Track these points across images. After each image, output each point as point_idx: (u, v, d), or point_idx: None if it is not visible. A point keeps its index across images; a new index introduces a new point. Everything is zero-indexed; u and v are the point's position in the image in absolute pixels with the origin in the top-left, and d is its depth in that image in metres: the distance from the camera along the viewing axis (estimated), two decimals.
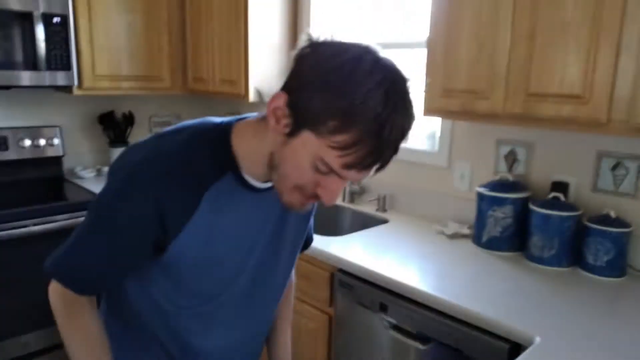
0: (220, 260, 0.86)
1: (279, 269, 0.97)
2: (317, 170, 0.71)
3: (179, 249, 0.80)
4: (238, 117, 0.85)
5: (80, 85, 2.42)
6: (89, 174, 2.68)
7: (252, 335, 1.01)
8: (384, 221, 2.10)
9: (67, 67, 2.31)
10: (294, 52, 0.72)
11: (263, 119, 0.79)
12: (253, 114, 0.86)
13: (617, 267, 1.53)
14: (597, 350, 1.15)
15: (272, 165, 0.76)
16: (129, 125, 2.85)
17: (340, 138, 0.67)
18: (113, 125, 2.79)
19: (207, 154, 0.79)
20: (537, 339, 1.17)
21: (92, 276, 0.84)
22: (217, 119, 0.84)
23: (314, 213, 1.05)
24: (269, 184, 0.84)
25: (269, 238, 0.91)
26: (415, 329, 1.44)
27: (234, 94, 2.48)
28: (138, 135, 2.94)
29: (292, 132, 0.71)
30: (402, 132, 0.69)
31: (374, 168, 0.71)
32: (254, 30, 2.37)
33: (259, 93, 2.44)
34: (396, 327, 1.49)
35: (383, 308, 1.51)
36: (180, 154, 0.77)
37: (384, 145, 0.67)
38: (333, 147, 0.67)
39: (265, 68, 2.45)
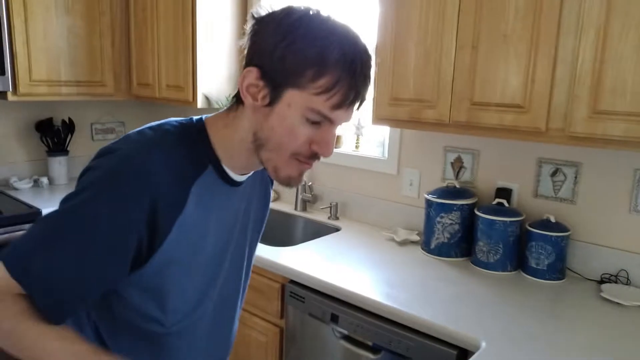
0: (204, 261, 0.84)
1: (245, 262, 0.97)
2: (308, 122, 0.74)
3: (166, 254, 0.76)
4: (198, 117, 0.84)
5: (15, 91, 2.27)
6: (25, 185, 2.53)
7: (225, 343, 1.00)
8: (336, 229, 2.09)
9: (1, 71, 2.17)
10: (247, 32, 0.76)
11: (228, 111, 0.81)
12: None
13: (557, 270, 1.59)
14: (540, 351, 1.18)
15: (258, 145, 0.77)
16: (69, 132, 2.71)
17: (322, 82, 0.71)
18: (52, 133, 2.65)
19: (187, 149, 0.77)
20: (483, 344, 1.19)
21: (70, 288, 0.72)
22: (180, 119, 0.82)
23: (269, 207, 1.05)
24: (244, 177, 0.85)
25: (239, 233, 0.91)
26: (367, 339, 1.43)
27: (181, 100, 2.42)
28: (79, 143, 2.80)
29: (273, 100, 0.73)
30: (368, 64, 0.75)
31: (357, 104, 0.76)
32: (202, 35, 2.32)
33: (207, 99, 2.38)
34: (347, 338, 1.48)
35: (334, 319, 1.50)
36: (160, 149, 0.75)
37: (359, 78, 0.73)
38: (318, 93, 0.71)
39: (214, 73, 2.40)
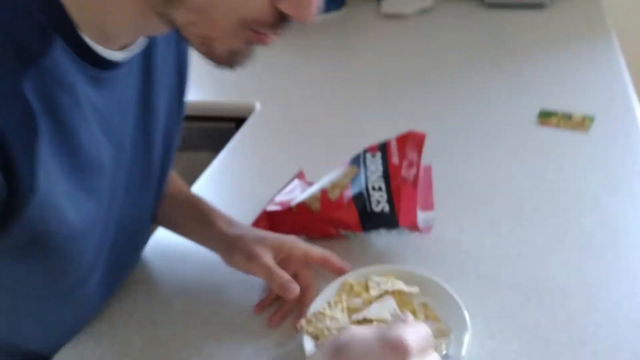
0: (89, 196, 0.47)
1: (152, 178, 0.60)
2: None
3: (45, 191, 0.40)
4: None
5: None
6: None
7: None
8: None
9: None
10: None
11: None
12: None
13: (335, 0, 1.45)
14: (317, 90, 1.09)
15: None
16: None
17: None
18: None
19: (11, 12, 0.37)
20: (257, 106, 1.06)
21: None
22: None
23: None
24: (126, 53, 0.46)
25: (133, 141, 0.53)
26: None
27: None
28: None
29: None
30: None
31: None
32: None
33: None
34: None
35: None
36: None
37: None
38: None
39: None
